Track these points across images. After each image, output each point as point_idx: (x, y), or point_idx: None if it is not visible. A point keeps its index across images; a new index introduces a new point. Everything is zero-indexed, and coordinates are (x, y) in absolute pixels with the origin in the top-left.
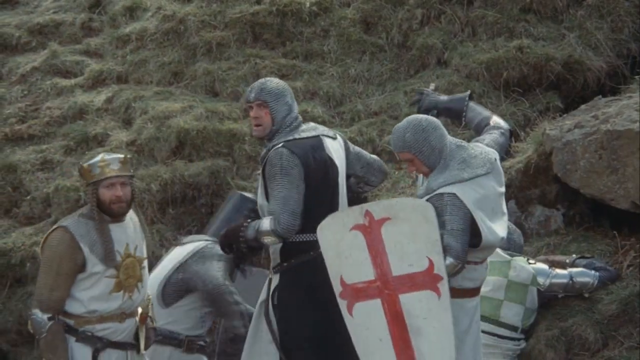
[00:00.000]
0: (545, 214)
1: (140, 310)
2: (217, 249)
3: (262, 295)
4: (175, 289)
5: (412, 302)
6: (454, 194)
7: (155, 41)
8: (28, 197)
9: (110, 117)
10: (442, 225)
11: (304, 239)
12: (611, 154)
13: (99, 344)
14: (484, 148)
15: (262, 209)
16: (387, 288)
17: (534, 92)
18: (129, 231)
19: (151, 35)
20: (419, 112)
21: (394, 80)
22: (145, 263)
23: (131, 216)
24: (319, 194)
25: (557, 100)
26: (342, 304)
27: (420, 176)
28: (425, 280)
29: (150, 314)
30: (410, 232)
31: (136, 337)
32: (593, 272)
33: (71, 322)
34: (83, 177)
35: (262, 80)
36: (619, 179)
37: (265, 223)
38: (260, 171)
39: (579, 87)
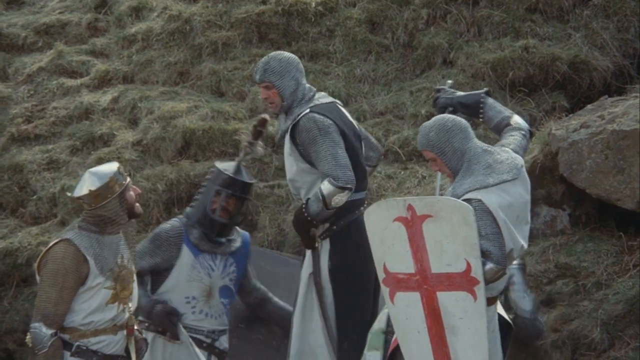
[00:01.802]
0: (551, 214)
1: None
2: (163, 227)
3: (308, 269)
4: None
5: (449, 301)
6: (480, 200)
7: (161, 41)
8: (34, 197)
9: (116, 117)
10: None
11: (349, 199)
12: (617, 154)
13: (95, 358)
14: (511, 153)
15: (296, 180)
16: (425, 283)
17: (540, 92)
18: (123, 243)
19: (157, 36)
20: (436, 110)
21: (399, 80)
22: (135, 276)
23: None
24: (352, 155)
25: (563, 100)
26: (385, 291)
27: (439, 176)
28: (462, 281)
29: (136, 326)
30: (450, 232)
31: (127, 349)
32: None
33: (66, 336)
34: (109, 191)
35: (265, 59)
36: (625, 179)
37: (325, 187)
38: (288, 144)
39: (585, 87)
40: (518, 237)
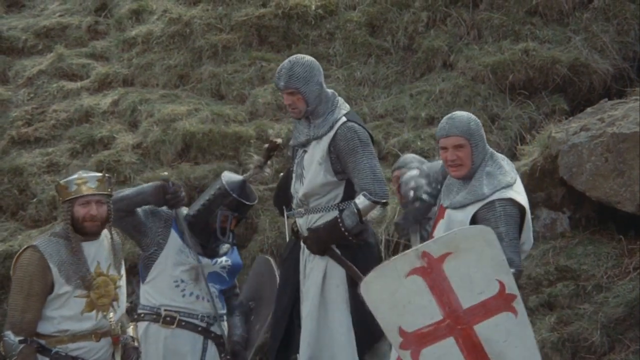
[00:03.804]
0: (551, 217)
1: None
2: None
3: (320, 272)
4: (142, 263)
5: (489, 330)
6: (510, 198)
7: (161, 44)
8: (34, 200)
9: (116, 120)
10: (500, 237)
11: None
12: (617, 157)
13: None
14: (500, 155)
15: (315, 191)
16: (458, 323)
17: (540, 95)
18: (102, 249)
19: (157, 38)
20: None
21: (399, 83)
22: (121, 282)
23: (106, 234)
24: None
25: (563, 103)
26: (405, 355)
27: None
28: (499, 303)
29: (132, 334)
30: (476, 260)
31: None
32: None
33: (43, 342)
34: (59, 194)
35: (288, 65)
36: (625, 182)
37: (361, 201)
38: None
39: (585, 90)
40: (530, 236)
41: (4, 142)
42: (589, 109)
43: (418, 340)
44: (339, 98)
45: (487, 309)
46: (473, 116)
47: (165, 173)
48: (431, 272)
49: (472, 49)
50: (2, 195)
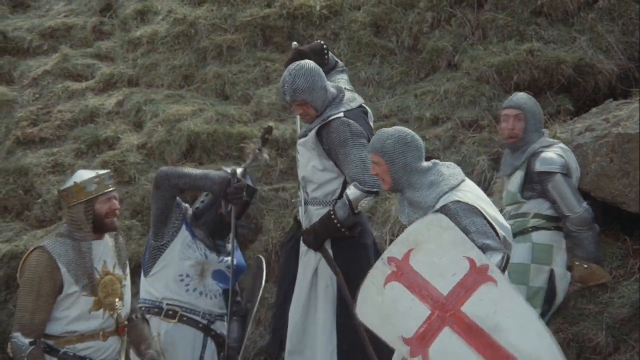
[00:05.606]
0: None
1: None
2: None
3: (311, 267)
4: (149, 255)
5: (475, 307)
6: (457, 200)
7: (166, 45)
8: (40, 201)
9: (121, 121)
10: (466, 231)
11: None
12: (622, 157)
13: None
14: (444, 163)
15: (310, 177)
16: (446, 311)
17: (545, 96)
18: (108, 249)
19: (162, 39)
20: None
21: (404, 83)
22: (126, 281)
23: (109, 234)
24: None
25: (568, 104)
26: None
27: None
28: (475, 278)
29: (157, 348)
30: (437, 247)
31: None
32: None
33: (51, 342)
34: (76, 196)
35: (289, 79)
36: (630, 182)
37: (352, 192)
38: (312, 143)
39: (590, 90)
40: (503, 222)
41: (10, 143)
42: (594, 110)
43: (421, 342)
44: (347, 95)
45: (466, 287)
46: (398, 134)
47: (235, 167)
48: (402, 273)
49: (477, 50)
50: (7, 196)
